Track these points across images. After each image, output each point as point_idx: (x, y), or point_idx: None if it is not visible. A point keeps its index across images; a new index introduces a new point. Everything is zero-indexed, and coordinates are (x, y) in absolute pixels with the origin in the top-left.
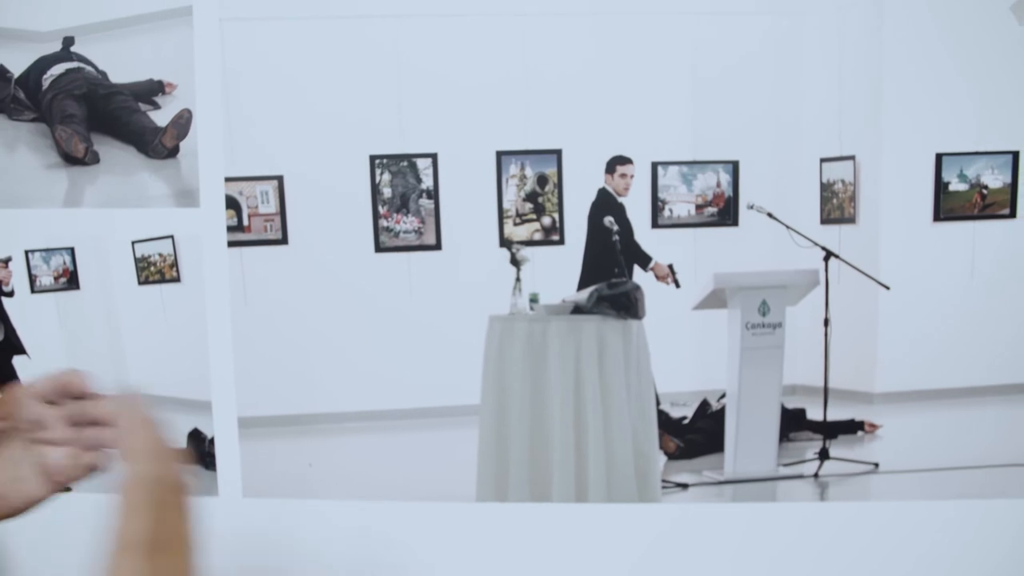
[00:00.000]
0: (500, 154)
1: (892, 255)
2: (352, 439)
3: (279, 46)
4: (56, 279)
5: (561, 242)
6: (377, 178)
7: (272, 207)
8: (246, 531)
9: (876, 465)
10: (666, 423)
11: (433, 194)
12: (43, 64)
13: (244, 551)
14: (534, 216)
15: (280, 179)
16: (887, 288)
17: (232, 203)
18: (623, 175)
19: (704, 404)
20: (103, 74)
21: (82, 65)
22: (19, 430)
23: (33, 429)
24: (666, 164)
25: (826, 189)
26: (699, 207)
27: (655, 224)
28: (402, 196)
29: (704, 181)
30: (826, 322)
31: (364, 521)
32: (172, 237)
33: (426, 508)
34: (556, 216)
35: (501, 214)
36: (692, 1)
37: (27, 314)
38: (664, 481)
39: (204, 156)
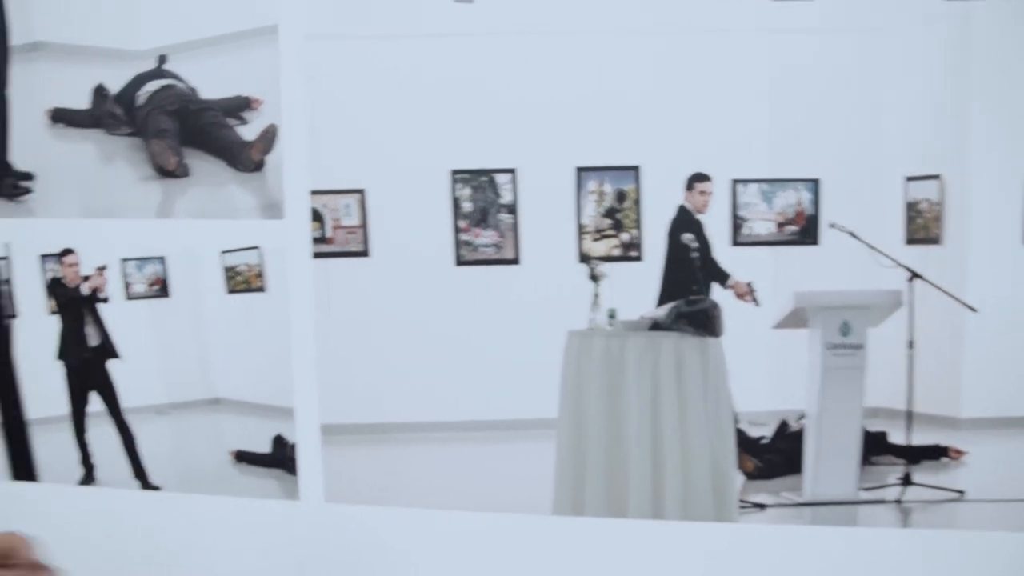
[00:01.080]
0: (580, 170)
1: (979, 277)
2: (431, 449)
3: (363, 64)
4: (149, 287)
5: (639, 258)
6: (457, 192)
7: (355, 220)
8: (327, 535)
9: (961, 493)
10: (744, 442)
11: (512, 209)
12: (139, 81)
13: (325, 555)
14: (613, 232)
15: (363, 192)
16: (974, 310)
17: (316, 215)
18: (702, 192)
19: (783, 424)
20: (194, 90)
21: (175, 82)
22: None
23: None
24: (746, 181)
25: (911, 208)
26: (779, 225)
27: (735, 242)
28: (482, 210)
29: (784, 199)
30: (910, 344)
31: (443, 530)
32: (258, 248)
33: (504, 519)
34: (635, 232)
35: (580, 229)
36: (773, 18)
37: (121, 320)
38: (741, 501)
39: (289, 170)
